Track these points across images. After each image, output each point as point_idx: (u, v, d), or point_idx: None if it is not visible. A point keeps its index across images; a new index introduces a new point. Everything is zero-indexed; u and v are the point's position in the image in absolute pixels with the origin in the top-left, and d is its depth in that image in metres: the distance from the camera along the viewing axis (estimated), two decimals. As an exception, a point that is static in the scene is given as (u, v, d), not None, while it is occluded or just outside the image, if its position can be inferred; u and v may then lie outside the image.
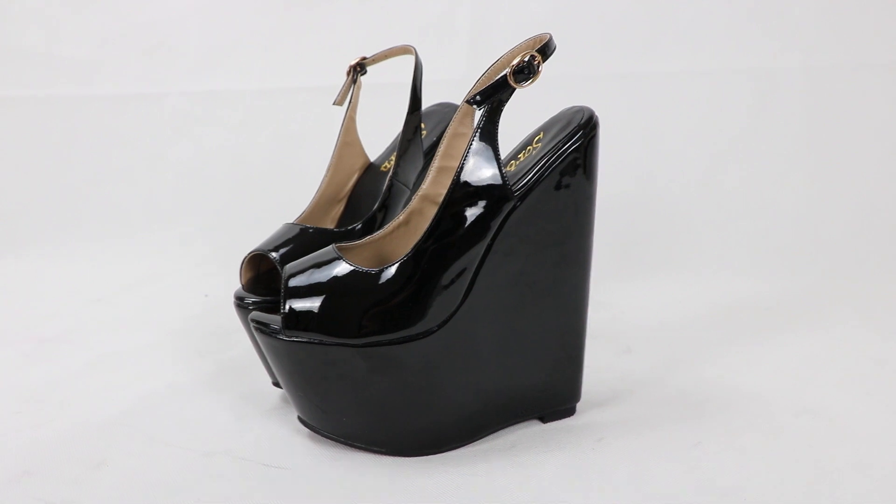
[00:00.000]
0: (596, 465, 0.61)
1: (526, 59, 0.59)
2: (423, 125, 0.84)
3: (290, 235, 0.74)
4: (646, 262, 1.18)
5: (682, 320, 0.96)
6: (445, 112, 0.88)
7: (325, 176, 0.83)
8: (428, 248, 0.59)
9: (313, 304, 0.60)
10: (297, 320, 0.60)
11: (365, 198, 0.84)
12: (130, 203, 1.44)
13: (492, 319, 0.62)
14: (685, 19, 1.28)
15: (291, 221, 0.78)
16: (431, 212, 0.66)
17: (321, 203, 0.82)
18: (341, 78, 0.86)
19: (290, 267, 0.63)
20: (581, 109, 0.66)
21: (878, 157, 1.21)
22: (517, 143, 0.71)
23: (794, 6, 1.24)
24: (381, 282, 0.59)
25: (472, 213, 0.60)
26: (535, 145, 0.67)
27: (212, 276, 1.20)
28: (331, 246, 0.63)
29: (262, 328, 0.62)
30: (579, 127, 0.64)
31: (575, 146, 0.63)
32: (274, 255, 0.72)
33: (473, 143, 0.60)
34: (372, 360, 0.59)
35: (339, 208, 0.84)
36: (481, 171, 0.60)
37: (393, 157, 0.85)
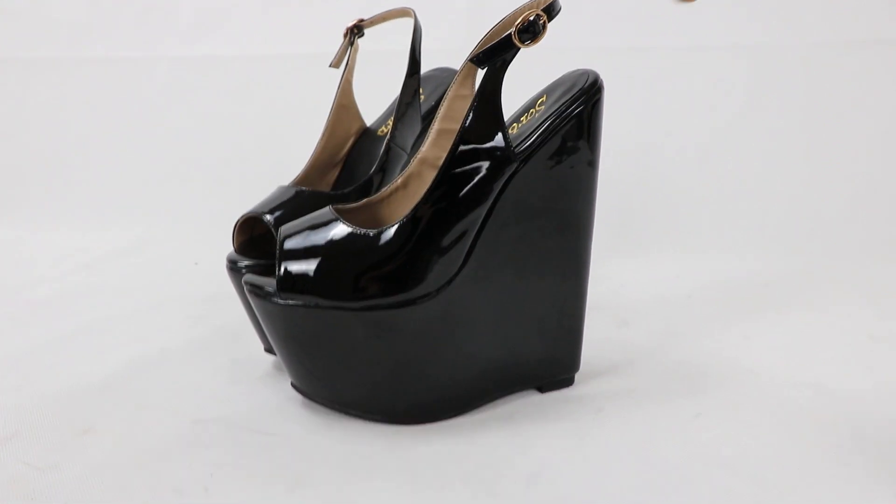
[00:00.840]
0: (596, 435, 0.60)
1: (531, 17, 0.57)
2: (420, 89, 0.82)
3: (284, 198, 0.72)
4: (645, 237, 1.17)
5: (679, 295, 0.95)
6: (444, 76, 0.86)
7: (321, 139, 0.81)
8: (427, 211, 0.58)
9: (309, 266, 0.58)
10: (292, 283, 0.58)
11: (361, 161, 0.82)
12: (121, 168, 1.42)
13: (491, 285, 0.61)
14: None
15: (286, 184, 0.76)
16: (430, 175, 0.65)
17: (316, 166, 0.81)
18: (338, 42, 0.83)
19: (286, 228, 0.61)
20: (586, 72, 0.65)
21: (878, 136, 1.20)
22: (519, 107, 0.69)
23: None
24: (379, 244, 0.57)
25: (473, 175, 0.58)
26: (537, 108, 0.65)
27: (202, 242, 1.18)
28: (327, 207, 0.62)
29: (256, 291, 0.60)
30: (583, 91, 0.62)
31: (579, 109, 0.61)
32: (268, 217, 0.70)
33: (476, 103, 0.58)
34: (369, 324, 0.58)
35: (334, 172, 0.83)
36: (483, 132, 0.58)
37: (390, 122, 0.83)
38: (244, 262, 0.69)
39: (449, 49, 1.14)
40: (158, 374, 0.73)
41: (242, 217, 0.73)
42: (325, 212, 0.61)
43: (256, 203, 0.74)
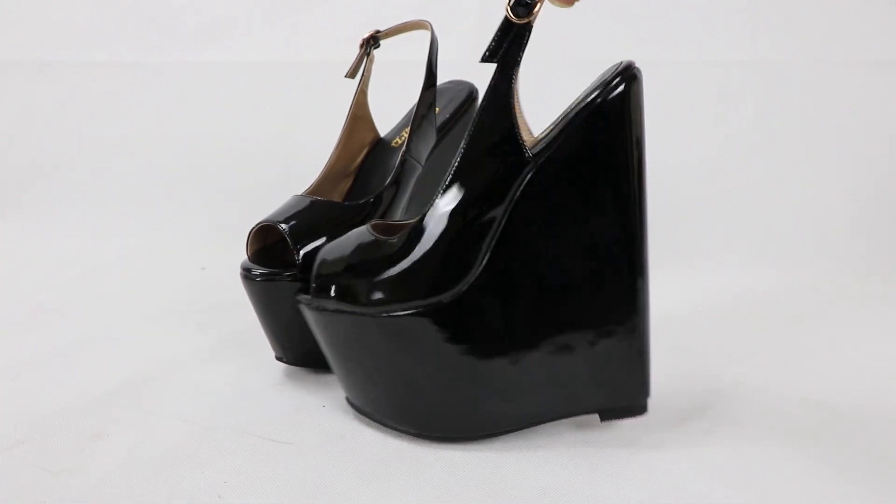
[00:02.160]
0: (605, 451, 0.60)
1: None
2: (436, 102, 0.82)
3: (299, 207, 0.73)
4: (651, 253, 1.17)
5: (686, 311, 0.95)
6: (459, 89, 0.86)
7: (335, 149, 0.82)
8: (437, 213, 0.57)
9: (336, 269, 0.60)
10: (321, 290, 0.60)
11: (374, 172, 0.82)
12: (128, 173, 1.42)
13: (521, 300, 0.57)
14: (696, 9, 1.27)
15: (300, 194, 0.76)
16: None
17: (330, 176, 0.81)
18: (354, 52, 0.84)
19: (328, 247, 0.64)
20: (620, 63, 0.59)
21: (882, 152, 1.20)
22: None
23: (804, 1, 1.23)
24: (390, 250, 0.58)
25: (484, 174, 0.56)
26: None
27: (209, 248, 1.18)
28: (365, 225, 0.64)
29: (301, 299, 0.63)
30: (606, 82, 0.56)
31: (602, 99, 0.56)
32: (283, 226, 0.70)
33: (486, 101, 0.57)
34: (389, 333, 0.57)
35: (347, 182, 0.83)
36: (493, 131, 0.57)
37: (404, 133, 0.83)
38: (258, 271, 0.69)
39: (460, 60, 1.15)
40: (169, 381, 0.73)
41: (257, 225, 0.73)
42: (363, 228, 0.63)
43: (269, 211, 0.74)
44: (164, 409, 0.67)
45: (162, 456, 0.59)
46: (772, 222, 1.20)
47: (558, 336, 0.58)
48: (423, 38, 0.81)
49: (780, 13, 1.24)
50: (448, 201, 0.57)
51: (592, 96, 0.56)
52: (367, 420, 0.64)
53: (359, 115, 0.83)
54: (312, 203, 0.73)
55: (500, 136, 0.56)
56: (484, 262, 0.57)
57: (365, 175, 0.83)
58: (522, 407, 0.60)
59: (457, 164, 0.57)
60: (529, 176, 0.56)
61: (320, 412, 0.66)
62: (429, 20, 0.81)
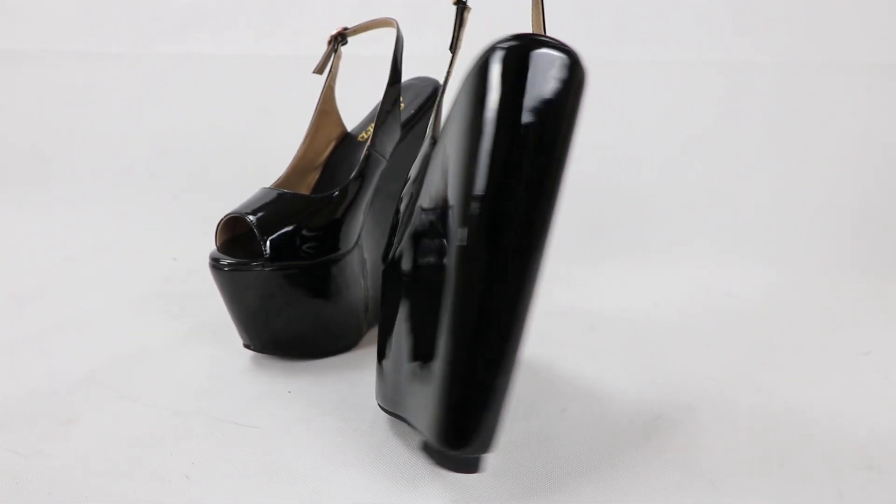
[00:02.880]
0: (560, 433, 0.63)
1: None
2: (401, 98, 0.84)
3: (266, 200, 0.75)
4: (613, 245, 1.20)
5: (646, 302, 0.98)
6: (424, 86, 0.89)
7: (303, 143, 0.84)
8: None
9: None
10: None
11: (341, 166, 0.84)
12: (103, 163, 1.43)
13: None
14: (663, 9, 1.29)
15: (267, 186, 0.78)
16: None
17: (297, 170, 0.83)
18: (322, 47, 0.86)
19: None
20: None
21: (845, 151, 1.23)
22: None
23: (771, 3, 1.26)
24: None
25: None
26: None
27: (181, 240, 1.19)
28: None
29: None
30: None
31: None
32: (251, 218, 0.72)
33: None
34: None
35: (314, 175, 0.85)
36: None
37: (370, 128, 0.85)
38: (226, 261, 0.71)
39: (430, 56, 1.17)
40: (140, 368, 0.75)
41: (225, 217, 0.75)
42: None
43: (238, 203, 0.76)
44: (136, 394, 0.69)
45: (132, 439, 0.61)
46: (734, 218, 1.22)
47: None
48: (391, 34, 0.83)
49: (756, 13, 1.26)
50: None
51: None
52: (332, 406, 0.66)
53: (326, 109, 0.85)
54: (279, 195, 0.75)
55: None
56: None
57: (332, 168, 0.85)
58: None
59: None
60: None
61: (286, 397, 0.68)
62: (395, 18, 0.83)
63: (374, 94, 0.88)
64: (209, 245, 0.77)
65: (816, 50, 1.24)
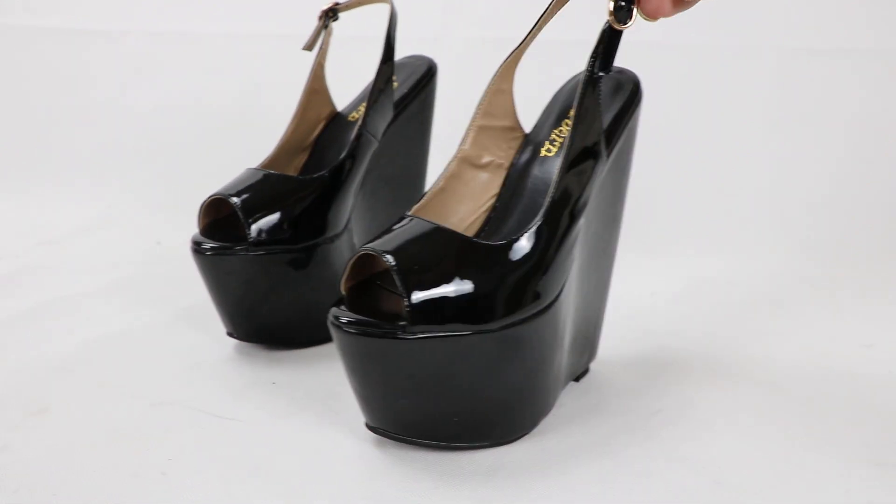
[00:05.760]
0: (556, 429, 0.60)
1: None
2: (394, 77, 0.81)
3: (252, 181, 0.72)
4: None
5: (643, 292, 0.95)
6: (418, 64, 0.86)
7: (291, 123, 0.81)
8: (552, 218, 0.56)
9: (441, 290, 0.52)
10: (425, 313, 0.51)
11: (330, 147, 0.82)
12: (85, 145, 1.39)
13: (575, 283, 0.60)
14: None
15: (254, 167, 0.76)
16: (470, 174, 0.64)
17: (285, 150, 0.80)
18: (312, 23, 0.83)
19: (382, 244, 0.54)
20: (623, 71, 0.67)
21: (844, 139, 1.22)
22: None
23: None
24: (513, 257, 0.54)
25: (585, 177, 0.58)
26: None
27: (167, 223, 1.16)
28: (410, 215, 0.57)
29: (369, 331, 0.52)
30: (633, 92, 0.65)
31: (633, 111, 0.64)
32: (235, 200, 0.70)
33: (585, 102, 0.57)
34: (504, 344, 0.54)
35: (303, 157, 0.82)
36: (590, 132, 0.58)
37: (362, 107, 0.83)
38: (208, 245, 0.69)
39: (423, 38, 1.14)
40: (119, 355, 0.72)
41: (208, 199, 0.72)
42: (420, 223, 0.56)
43: (223, 185, 0.73)
44: (112, 383, 0.66)
45: (106, 432, 0.59)
46: (729, 208, 1.20)
47: (585, 303, 0.64)
48: (384, 11, 0.81)
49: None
50: (560, 205, 0.57)
51: (629, 112, 0.64)
52: (316, 398, 0.64)
53: (316, 88, 0.82)
54: (266, 176, 0.72)
55: (592, 137, 0.59)
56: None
57: (321, 149, 0.82)
58: (557, 384, 0.61)
59: (565, 165, 0.57)
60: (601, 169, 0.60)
61: (270, 389, 0.66)
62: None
63: (366, 73, 0.85)
64: (195, 228, 0.74)
65: (788, 36, 1.22)
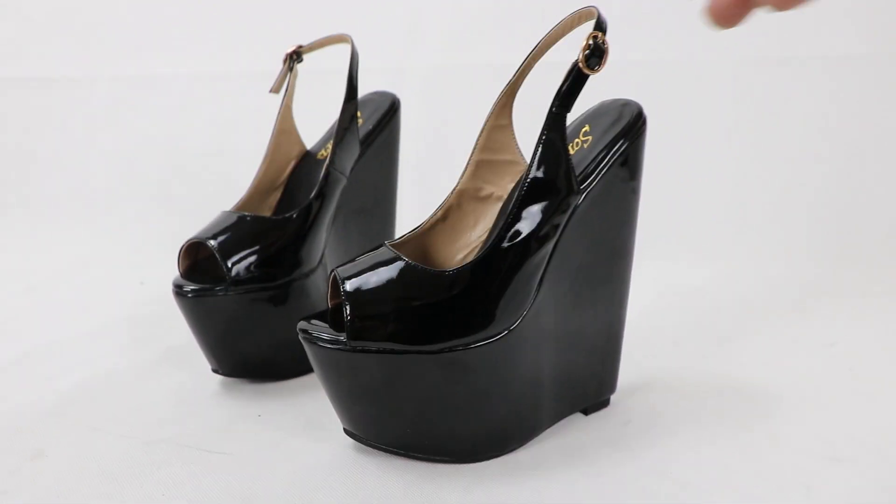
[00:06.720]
0: (532, 441, 0.64)
1: (591, 41, 0.57)
2: (359, 113, 0.85)
3: (227, 223, 0.75)
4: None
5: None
6: (381, 101, 0.89)
7: (262, 164, 0.83)
8: (502, 249, 0.58)
9: (382, 309, 0.57)
10: (363, 329, 0.56)
11: (302, 185, 0.84)
12: (61, 190, 1.41)
13: (552, 316, 0.62)
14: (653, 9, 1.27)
15: (228, 209, 0.78)
16: (470, 207, 0.67)
17: (258, 191, 0.83)
18: (277, 63, 0.86)
19: (344, 270, 0.59)
20: (628, 103, 0.67)
21: (802, 143, 1.24)
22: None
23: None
24: (455, 284, 0.57)
25: (542, 210, 0.59)
26: (582, 138, 0.67)
27: (147, 264, 1.18)
28: (384, 245, 0.61)
29: (311, 339, 0.58)
30: (630, 124, 0.64)
31: (626, 145, 0.63)
32: (212, 242, 0.72)
33: (544, 138, 0.59)
34: (446, 367, 0.57)
35: (275, 196, 0.85)
36: (550, 167, 0.59)
37: (329, 146, 0.86)
38: (190, 287, 0.72)
39: (387, 68, 1.17)
40: (108, 397, 0.74)
41: (186, 242, 0.75)
42: (385, 251, 0.60)
43: (200, 227, 0.76)
44: (104, 425, 0.68)
45: (101, 472, 0.61)
46: (700, 213, 1.22)
47: (576, 335, 0.64)
48: (346, 49, 0.83)
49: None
50: (510, 237, 0.58)
51: (627, 144, 0.64)
52: (301, 429, 0.66)
53: (284, 129, 0.85)
54: (240, 218, 0.75)
55: (554, 173, 0.60)
56: (539, 290, 0.60)
57: (293, 188, 0.85)
58: (546, 414, 0.65)
59: (515, 202, 0.59)
60: (576, 207, 0.61)
61: (256, 421, 0.68)
62: (349, 35, 0.83)
63: (333, 110, 0.88)
64: (176, 265, 0.76)
65: (770, 45, 1.24)
